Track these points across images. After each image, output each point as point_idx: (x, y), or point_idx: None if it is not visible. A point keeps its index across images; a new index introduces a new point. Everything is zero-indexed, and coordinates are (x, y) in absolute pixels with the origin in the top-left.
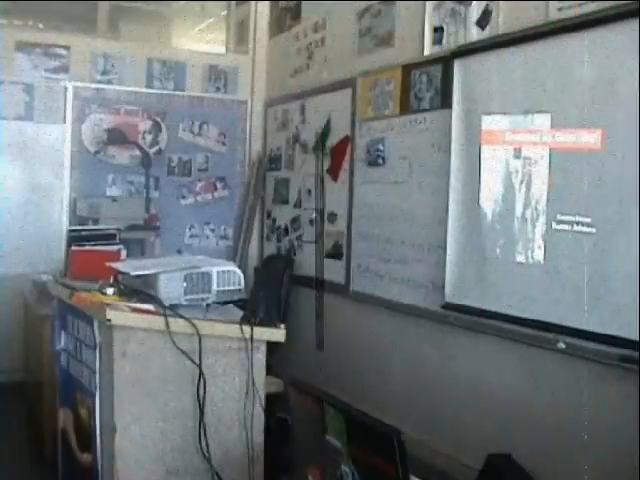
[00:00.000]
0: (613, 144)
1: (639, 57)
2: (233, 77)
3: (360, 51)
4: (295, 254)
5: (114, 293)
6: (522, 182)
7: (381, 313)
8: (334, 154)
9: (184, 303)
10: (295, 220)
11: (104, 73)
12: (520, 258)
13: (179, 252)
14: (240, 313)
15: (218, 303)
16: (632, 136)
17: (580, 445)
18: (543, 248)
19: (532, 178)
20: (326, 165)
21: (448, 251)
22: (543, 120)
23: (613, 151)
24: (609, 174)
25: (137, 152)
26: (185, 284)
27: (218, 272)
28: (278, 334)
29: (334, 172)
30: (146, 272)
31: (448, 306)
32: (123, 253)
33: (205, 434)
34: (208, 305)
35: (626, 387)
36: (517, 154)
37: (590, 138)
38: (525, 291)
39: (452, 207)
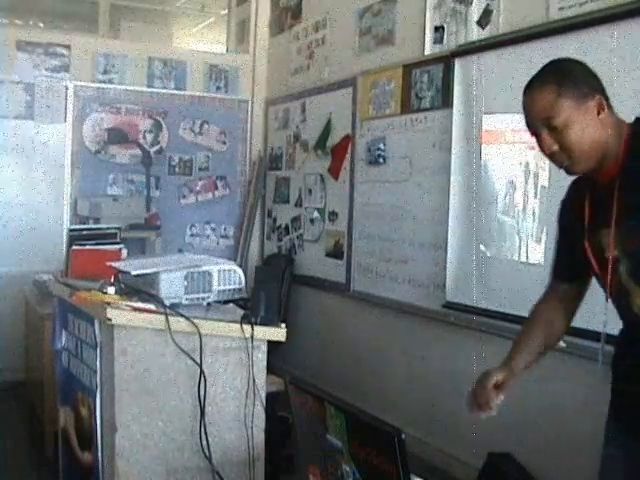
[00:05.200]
0: None
1: None
2: (234, 76)
3: (361, 50)
4: (296, 253)
5: (115, 292)
6: (522, 181)
7: (382, 312)
8: (335, 153)
9: (185, 302)
10: (296, 219)
11: (105, 72)
12: (521, 257)
13: (180, 251)
14: (241, 312)
15: (219, 302)
16: None
17: (580, 443)
18: (544, 246)
19: (532, 177)
20: (327, 164)
21: (449, 250)
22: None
23: None
24: None
25: (138, 151)
26: (186, 283)
27: (219, 271)
28: (279, 333)
29: (335, 171)
30: (147, 271)
31: (449, 305)
32: (124, 252)
33: (206, 433)
34: (209, 304)
35: None
36: (518, 154)
37: None
38: (526, 290)
39: (453, 206)
